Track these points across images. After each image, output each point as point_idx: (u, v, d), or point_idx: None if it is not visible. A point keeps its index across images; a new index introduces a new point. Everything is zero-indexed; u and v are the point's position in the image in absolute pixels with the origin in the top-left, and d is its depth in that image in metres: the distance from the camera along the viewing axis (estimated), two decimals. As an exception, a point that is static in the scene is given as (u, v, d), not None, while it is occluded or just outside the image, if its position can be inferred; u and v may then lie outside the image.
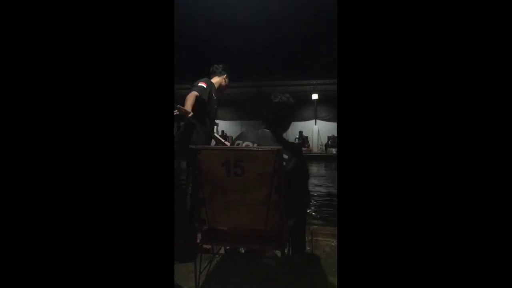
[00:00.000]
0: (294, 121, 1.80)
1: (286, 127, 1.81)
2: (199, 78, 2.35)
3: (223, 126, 15.31)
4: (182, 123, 2.19)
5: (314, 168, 10.18)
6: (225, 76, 2.54)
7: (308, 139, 15.22)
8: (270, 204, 1.50)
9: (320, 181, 7.06)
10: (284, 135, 1.84)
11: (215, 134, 2.42)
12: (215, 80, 2.51)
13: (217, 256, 2.07)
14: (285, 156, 1.62)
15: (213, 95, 2.44)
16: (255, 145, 1.74)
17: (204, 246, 1.78)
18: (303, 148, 14.04)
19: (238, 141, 1.84)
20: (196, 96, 2.13)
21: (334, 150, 12.69)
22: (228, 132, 14.88)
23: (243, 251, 2.09)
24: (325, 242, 2.36)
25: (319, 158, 12.67)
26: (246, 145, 1.76)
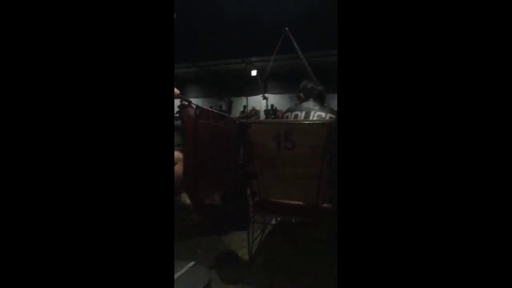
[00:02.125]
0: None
1: (324, 98, 1.92)
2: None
3: (272, 99, 15.24)
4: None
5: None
6: None
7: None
8: (322, 178, 1.48)
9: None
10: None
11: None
12: None
13: (268, 226, 2.14)
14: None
15: None
16: (303, 113, 1.73)
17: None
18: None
19: (287, 114, 1.84)
20: None
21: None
22: (278, 106, 14.78)
23: (294, 221, 2.13)
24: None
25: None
26: (295, 115, 1.76)
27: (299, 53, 2.95)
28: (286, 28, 2.95)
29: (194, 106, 1.88)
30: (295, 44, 2.90)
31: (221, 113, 2.37)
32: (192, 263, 1.27)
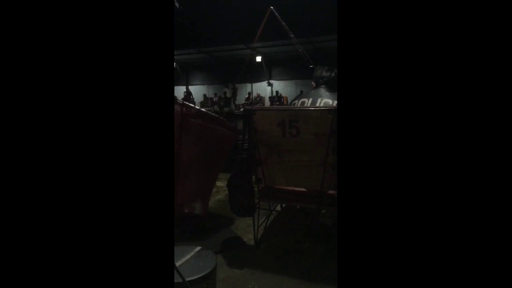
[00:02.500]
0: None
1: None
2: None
3: (277, 86, 15.11)
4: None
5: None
6: None
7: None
8: (327, 165, 1.48)
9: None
10: None
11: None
12: None
13: (273, 212, 2.16)
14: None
15: None
16: (311, 100, 1.71)
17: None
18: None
19: (294, 101, 1.83)
20: None
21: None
22: (283, 93, 14.66)
23: (298, 207, 2.15)
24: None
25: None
26: (302, 102, 1.74)
27: (288, 32, 2.93)
28: (271, 7, 2.91)
29: (181, 103, 1.73)
30: (283, 23, 2.87)
31: (211, 113, 2.04)
32: (198, 248, 1.29)
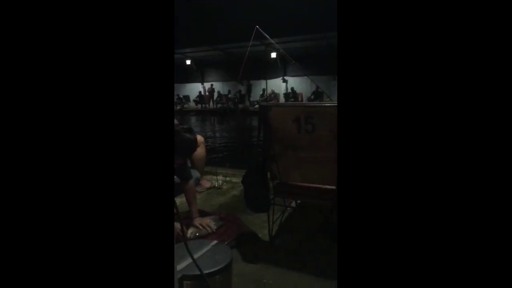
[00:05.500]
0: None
1: None
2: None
3: (292, 83, 15.01)
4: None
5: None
6: None
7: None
8: (342, 161, 1.48)
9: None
10: None
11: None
12: None
13: (288, 208, 2.17)
14: None
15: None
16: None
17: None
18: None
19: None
20: None
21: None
22: (298, 89, 14.56)
23: (313, 204, 2.15)
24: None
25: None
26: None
27: (272, 42, 3.01)
28: (257, 26, 2.94)
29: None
30: (267, 36, 2.90)
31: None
32: (215, 241, 1.32)
